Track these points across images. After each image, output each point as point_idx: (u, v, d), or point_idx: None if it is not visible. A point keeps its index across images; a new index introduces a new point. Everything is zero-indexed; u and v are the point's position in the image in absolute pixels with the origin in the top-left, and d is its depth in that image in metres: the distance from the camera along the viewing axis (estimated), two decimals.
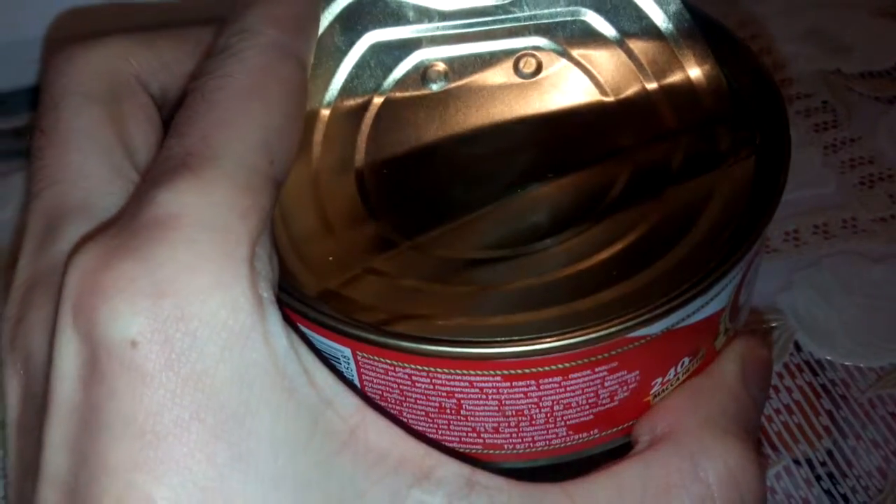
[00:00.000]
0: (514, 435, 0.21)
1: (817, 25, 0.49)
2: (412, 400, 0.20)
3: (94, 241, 0.16)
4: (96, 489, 0.15)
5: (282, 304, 0.18)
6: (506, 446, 0.21)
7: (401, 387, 0.20)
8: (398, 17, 0.24)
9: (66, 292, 0.16)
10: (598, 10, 0.24)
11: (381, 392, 0.21)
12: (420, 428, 0.21)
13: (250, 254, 0.16)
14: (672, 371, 0.21)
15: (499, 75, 0.24)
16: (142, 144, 0.20)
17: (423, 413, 0.21)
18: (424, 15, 0.24)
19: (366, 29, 0.24)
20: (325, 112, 0.24)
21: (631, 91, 0.24)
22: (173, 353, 0.15)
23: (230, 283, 0.16)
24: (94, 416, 0.15)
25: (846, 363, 0.33)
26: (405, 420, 0.21)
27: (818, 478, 0.30)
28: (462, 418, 0.20)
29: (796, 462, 0.30)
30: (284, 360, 0.16)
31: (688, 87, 0.24)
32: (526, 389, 0.20)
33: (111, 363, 0.15)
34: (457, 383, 0.20)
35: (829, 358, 0.33)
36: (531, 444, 0.21)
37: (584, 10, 0.24)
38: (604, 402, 0.20)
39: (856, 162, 0.41)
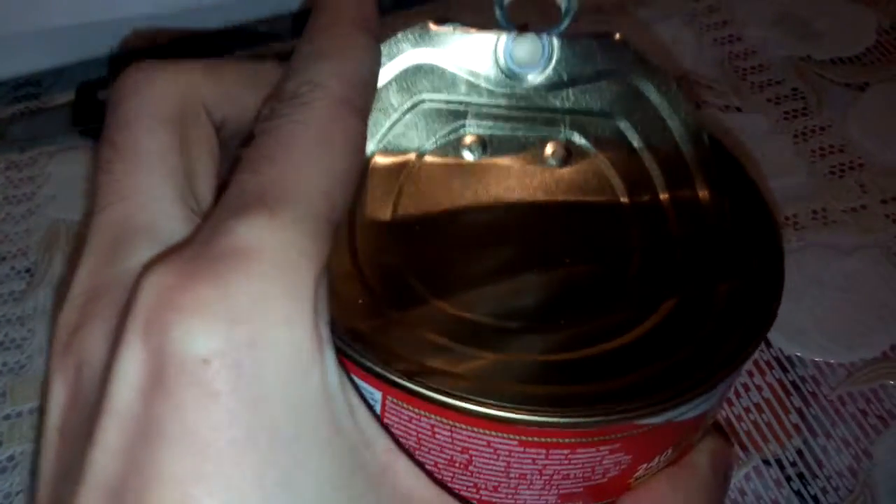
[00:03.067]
0: (510, 496, 0.23)
1: (788, 11, 0.48)
2: (426, 450, 0.22)
3: (171, 261, 0.17)
4: (149, 497, 0.16)
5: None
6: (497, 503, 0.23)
7: (420, 436, 0.22)
8: (450, 87, 0.26)
9: (139, 306, 0.16)
10: (628, 118, 0.26)
11: (400, 437, 0.22)
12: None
13: (314, 294, 0.18)
14: (657, 458, 0.23)
15: (530, 158, 0.26)
16: (203, 173, 0.21)
17: (433, 463, 0.22)
18: (474, 90, 0.26)
19: (419, 92, 0.26)
20: (370, 162, 0.26)
21: (644, 197, 0.26)
22: (241, 376, 0.16)
23: (297, 319, 0.17)
24: (154, 427, 0.16)
25: (816, 359, 0.32)
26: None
27: (788, 479, 0.29)
28: (468, 473, 0.22)
29: (766, 462, 0.30)
30: (335, 398, 0.18)
31: (696, 202, 0.26)
32: (535, 456, 0.22)
33: (180, 377, 0.16)
34: (475, 440, 0.21)
35: (798, 354, 0.33)
36: None
37: (616, 115, 0.26)
38: (596, 478, 0.22)
39: (826, 151, 0.41)
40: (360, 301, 0.24)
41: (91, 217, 0.20)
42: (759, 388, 0.32)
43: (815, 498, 0.29)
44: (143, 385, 0.16)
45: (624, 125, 0.27)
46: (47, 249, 0.39)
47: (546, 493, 0.23)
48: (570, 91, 0.26)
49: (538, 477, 0.22)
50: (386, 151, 0.26)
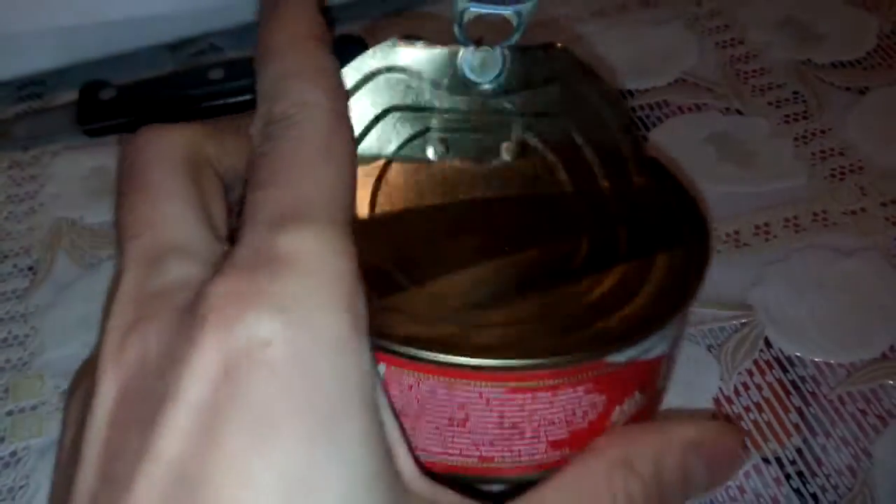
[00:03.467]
0: (505, 448, 0.26)
1: (790, 14, 0.48)
2: (429, 411, 0.25)
3: (227, 271, 0.20)
4: (210, 467, 0.18)
5: None
6: (496, 458, 0.26)
7: (421, 399, 0.25)
8: (415, 97, 0.29)
9: (206, 307, 0.19)
10: (572, 118, 0.30)
11: (401, 406, 0.25)
12: (429, 441, 0.25)
13: (352, 286, 0.20)
14: (627, 401, 0.26)
15: (488, 156, 0.30)
16: (216, 207, 0.24)
17: (435, 426, 0.25)
18: (436, 98, 0.29)
19: (387, 102, 0.29)
20: None
21: (587, 185, 0.30)
22: (297, 352, 0.19)
23: (342, 307, 0.20)
24: (220, 409, 0.18)
25: (816, 359, 0.33)
26: (419, 435, 0.25)
27: (787, 476, 0.29)
28: (467, 431, 0.25)
29: (765, 460, 0.30)
30: (371, 379, 0.20)
31: (632, 188, 0.30)
32: (523, 401, 0.25)
33: (246, 361, 0.18)
34: (469, 394, 0.24)
35: (798, 354, 0.33)
36: (517, 458, 0.26)
37: (561, 115, 0.30)
38: (577, 421, 0.25)
39: (826, 154, 0.41)
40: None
41: (121, 247, 0.22)
42: (759, 388, 0.32)
43: (814, 496, 0.29)
44: (214, 375, 0.18)
45: (568, 124, 0.30)
46: (50, 247, 0.39)
47: (536, 441, 0.26)
48: (522, 96, 0.30)
49: (527, 424, 0.25)
50: (360, 157, 0.29)
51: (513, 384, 0.24)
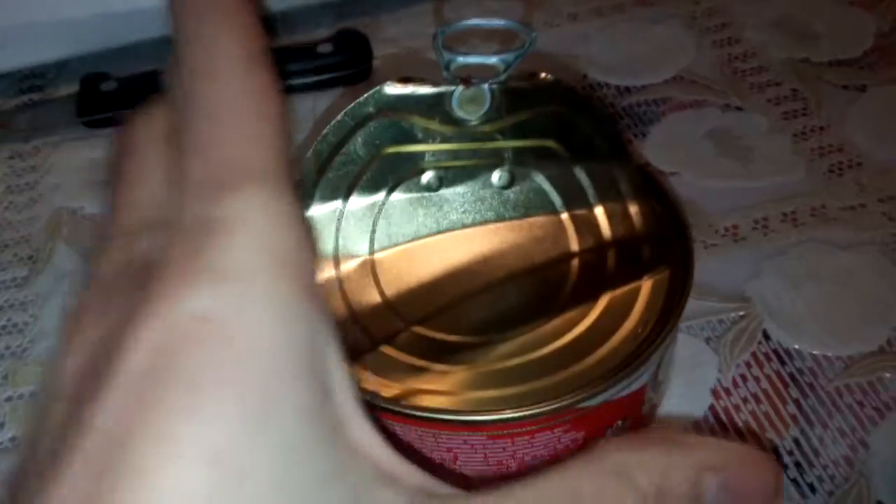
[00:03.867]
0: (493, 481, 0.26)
1: (787, 13, 0.49)
2: (418, 453, 0.27)
3: (168, 244, 0.19)
4: (138, 433, 0.17)
5: None
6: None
7: (413, 445, 0.26)
8: (408, 136, 0.30)
9: (148, 281, 0.18)
10: (561, 142, 0.31)
11: (397, 447, 0.25)
12: None
13: (300, 250, 0.19)
14: (609, 430, 0.28)
15: (480, 186, 0.31)
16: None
17: (429, 466, 0.25)
18: (429, 135, 0.30)
19: (382, 143, 0.30)
20: (345, 206, 0.30)
21: (579, 207, 0.31)
22: (235, 324, 0.18)
23: (287, 273, 0.18)
24: (154, 385, 0.18)
25: (814, 352, 0.33)
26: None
27: (785, 467, 0.29)
28: (457, 467, 0.27)
29: (763, 450, 0.30)
30: (320, 348, 0.19)
31: (623, 208, 0.31)
32: (504, 445, 0.26)
33: (184, 336, 0.18)
34: (454, 441, 0.26)
35: (797, 347, 0.33)
36: None
37: (551, 140, 0.31)
38: (560, 455, 0.27)
39: (825, 150, 0.41)
40: (353, 335, 0.29)
41: (102, 229, 0.22)
42: (756, 380, 0.32)
43: (811, 486, 0.29)
44: (150, 350, 0.18)
45: (558, 148, 0.31)
46: (50, 237, 0.39)
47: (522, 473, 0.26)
48: (511, 126, 0.30)
49: (512, 461, 0.27)
50: (359, 196, 0.31)
51: (491, 433, 0.26)
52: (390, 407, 0.26)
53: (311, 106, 0.44)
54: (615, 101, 0.44)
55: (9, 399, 0.33)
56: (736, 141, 0.42)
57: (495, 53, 0.29)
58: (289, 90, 0.49)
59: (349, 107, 0.29)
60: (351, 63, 0.46)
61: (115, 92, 0.45)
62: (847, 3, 0.49)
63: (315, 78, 0.46)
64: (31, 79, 0.48)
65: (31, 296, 0.37)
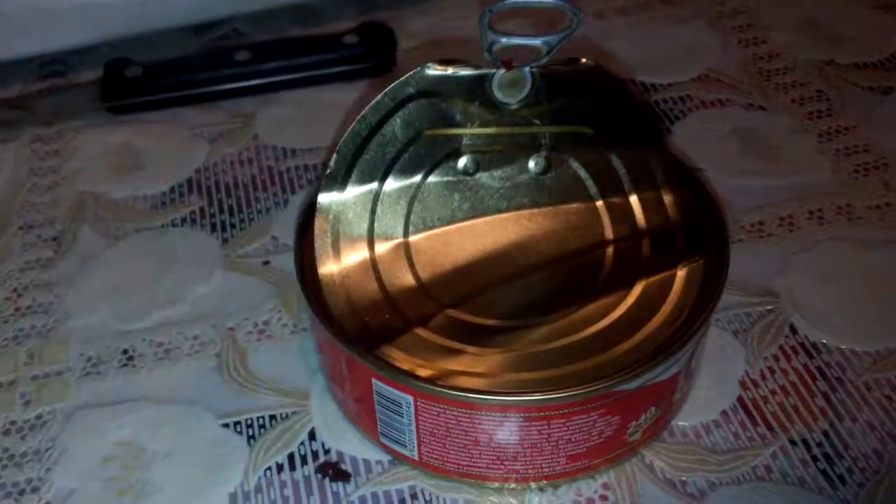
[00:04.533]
0: (527, 462, 0.27)
1: (812, 16, 0.49)
2: (455, 435, 0.27)
3: None
4: None
5: (352, 356, 0.27)
6: (519, 470, 0.28)
7: (448, 425, 0.26)
8: (447, 119, 0.30)
9: None
10: (598, 130, 0.31)
11: (432, 428, 0.27)
12: (459, 456, 0.27)
13: None
14: (643, 416, 0.28)
15: (517, 171, 0.31)
16: None
17: (463, 445, 0.27)
18: (468, 119, 0.30)
19: (420, 125, 0.30)
20: (381, 188, 0.30)
21: (614, 196, 0.31)
22: None
23: None
24: None
25: (842, 346, 0.33)
26: (448, 451, 0.27)
27: (814, 458, 0.29)
28: (491, 449, 0.27)
29: (792, 442, 0.30)
30: None
31: (658, 198, 0.31)
32: (540, 427, 0.26)
33: None
34: (491, 423, 0.26)
35: (824, 341, 0.33)
36: (539, 470, 0.28)
37: (589, 127, 0.31)
38: (594, 438, 0.27)
39: (850, 150, 0.41)
40: (388, 316, 0.29)
41: None
42: (784, 373, 0.32)
43: (840, 477, 0.29)
44: None
45: (595, 136, 0.31)
46: (74, 219, 0.39)
47: (555, 455, 0.27)
48: (550, 112, 0.30)
49: (546, 443, 0.27)
50: (395, 178, 0.30)
51: (528, 414, 0.26)
52: (427, 387, 0.26)
53: (339, 96, 0.44)
54: (640, 97, 0.44)
55: (35, 377, 0.33)
56: (760, 140, 0.42)
57: (539, 34, 0.29)
58: (315, 80, 0.50)
59: (389, 87, 0.29)
60: (376, 55, 0.46)
61: (139, 78, 0.45)
62: (873, 6, 0.49)
63: (340, 68, 0.46)
64: (54, 64, 0.48)
65: (55, 276, 0.37)
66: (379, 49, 0.46)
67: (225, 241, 0.38)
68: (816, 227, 0.37)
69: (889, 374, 0.32)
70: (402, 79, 0.29)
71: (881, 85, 0.44)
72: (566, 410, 0.26)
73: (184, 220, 0.39)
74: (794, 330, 0.33)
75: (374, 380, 0.27)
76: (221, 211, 0.39)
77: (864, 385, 0.31)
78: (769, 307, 0.34)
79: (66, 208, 0.40)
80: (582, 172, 0.31)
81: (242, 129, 0.44)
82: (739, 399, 0.31)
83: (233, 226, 0.39)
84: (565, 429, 0.26)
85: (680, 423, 0.30)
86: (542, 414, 0.26)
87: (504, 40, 0.28)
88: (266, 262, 0.37)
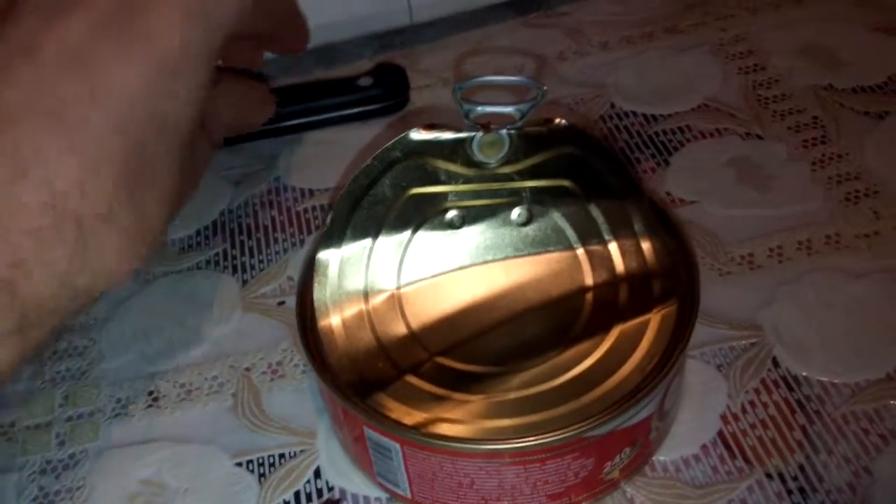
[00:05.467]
0: (511, 501, 0.30)
1: (813, 41, 0.50)
2: (441, 478, 0.29)
3: None
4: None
5: (345, 406, 0.29)
6: None
7: (433, 469, 0.29)
8: (433, 178, 0.33)
9: None
10: (576, 181, 0.33)
11: (420, 471, 0.29)
12: (447, 496, 0.30)
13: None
14: (618, 456, 0.30)
15: (500, 223, 0.34)
16: None
17: (449, 487, 0.29)
18: (452, 177, 0.33)
19: (408, 185, 0.33)
20: (374, 243, 0.33)
21: (593, 243, 0.33)
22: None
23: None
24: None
25: (822, 378, 0.34)
26: (437, 491, 0.30)
27: (789, 492, 0.31)
28: (474, 491, 0.29)
29: (768, 476, 0.31)
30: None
31: (636, 244, 0.33)
32: (517, 471, 0.28)
33: None
34: (471, 468, 0.28)
35: (804, 374, 0.34)
36: None
37: (566, 180, 0.33)
38: (570, 479, 0.29)
39: (842, 178, 0.42)
40: (381, 365, 0.31)
41: None
42: (765, 406, 0.33)
43: None
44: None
45: (573, 187, 0.33)
46: None
47: (536, 495, 0.30)
48: (528, 167, 0.33)
49: (525, 485, 0.29)
50: (387, 234, 0.33)
51: (506, 461, 0.28)
52: (412, 436, 0.28)
53: (356, 136, 0.47)
54: (641, 129, 0.46)
55: (69, 419, 0.36)
56: (756, 170, 0.43)
57: (511, 103, 0.31)
58: (332, 122, 0.52)
59: (378, 152, 0.32)
60: (390, 95, 0.48)
61: None
62: (873, 28, 0.50)
63: (356, 109, 0.48)
64: None
65: (90, 320, 0.40)
66: (393, 89, 0.49)
67: (244, 282, 0.41)
68: (804, 258, 0.39)
69: (866, 407, 0.33)
70: (389, 144, 0.32)
71: (877, 110, 0.45)
72: (539, 456, 0.28)
73: (208, 262, 0.42)
74: (776, 363, 0.35)
75: (364, 427, 0.29)
76: (243, 253, 0.42)
77: (841, 418, 0.33)
78: (753, 340, 0.36)
79: None
80: (562, 222, 0.33)
81: (265, 170, 0.46)
82: (720, 433, 0.33)
83: (252, 267, 0.41)
84: (541, 472, 0.28)
85: (661, 457, 0.32)
86: (517, 460, 0.28)
87: (479, 109, 0.31)
88: (281, 303, 0.40)
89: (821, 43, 0.50)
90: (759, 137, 0.45)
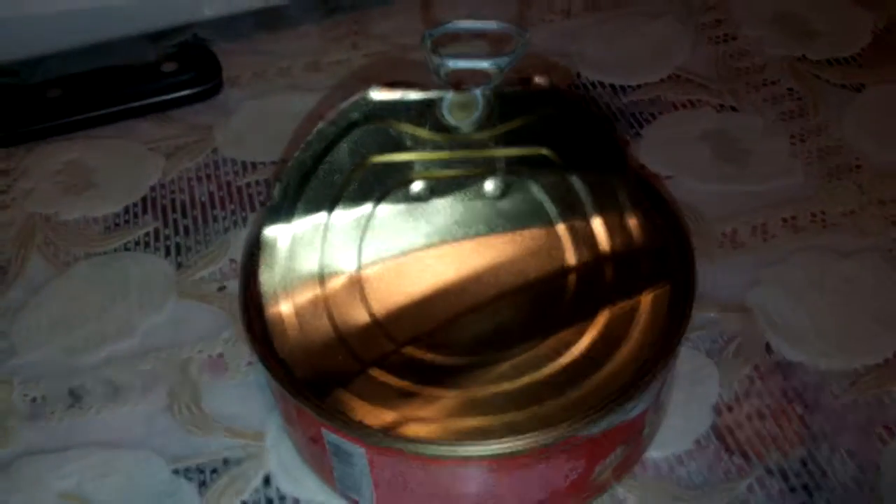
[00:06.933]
0: None
1: (784, 10, 0.47)
2: (412, 487, 0.26)
3: None
4: None
5: (299, 404, 0.25)
6: None
7: (404, 476, 0.25)
8: (396, 144, 0.29)
9: None
10: (556, 149, 0.29)
11: (388, 479, 0.26)
12: None
13: None
14: (610, 456, 0.26)
15: (472, 196, 0.30)
16: None
17: (420, 497, 0.26)
18: (418, 143, 0.29)
19: (370, 152, 0.29)
20: (330, 219, 0.29)
21: (575, 219, 0.29)
22: None
23: None
24: None
25: (819, 365, 0.32)
26: (406, 502, 0.26)
27: (792, 489, 0.28)
28: (451, 499, 0.26)
29: (769, 472, 0.29)
30: None
31: (621, 220, 0.29)
32: (498, 478, 0.25)
33: None
34: (445, 475, 0.25)
35: (800, 360, 0.32)
36: None
37: (546, 147, 0.29)
38: (558, 483, 0.26)
39: (823, 152, 0.40)
40: (340, 357, 0.27)
41: None
42: (759, 395, 0.31)
43: None
44: None
45: (553, 157, 0.29)
46: (23, 244, 0.38)
47: (520, 502, 0.26)
48: (504, 133, 0.29)
49: (509, 493, 0.26)
50: (344, 208, 0.29)
51: (483, 466, 0.25)
52: (379, 438, 0.25)
53: (300, 105, 0.43)
54: (610, 101, 0.43)
55: None
56: (732, 143, 0.40)
57: (488, 56, 0.27)
58: (132, 113, 0.47)
59: (332, 113, 0.28)
60: (198, 81, 0.44)
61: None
62: None
63: (159, 98, 0.43)
64: (6, 76, 0.46)
65: (0, 309, 0.35)
66: (201, 74, 0.44)
67: (179, 265, 0.36)
68: (791, 236, 0.36)
69: (868, 395, 0.31)
70: (345, 104, 0.28)
71: (853, 82, 0.43)
72: (525, 460, 0.25)
73: (137, 243, 0.38)
74: (769, 349, 0.32)
75: (322, 429, 0.25)
76: (177, 232, 0.38)
77: (842, 407, 0.30)
78: (742, 324, 0.33)
79: (16, 232, 0.38)
80: (541, 195, 0.30)
81: (200, 141, 0.42)
82: (713, 426, 0.30)
83: (188, 248, 0.37)
84: (527, 477, 0.25)
85: (653, 454, 0.29)
86: (499, 465, 0.25)
87: (451, 63, 0.27)
88: (222, 288, 0.35)
89: (792, 12, 0.47)
90: (734, 109, 0.42)
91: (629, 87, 0.44)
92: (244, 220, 0.38)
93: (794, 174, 0.39)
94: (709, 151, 0.40)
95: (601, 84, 0.44)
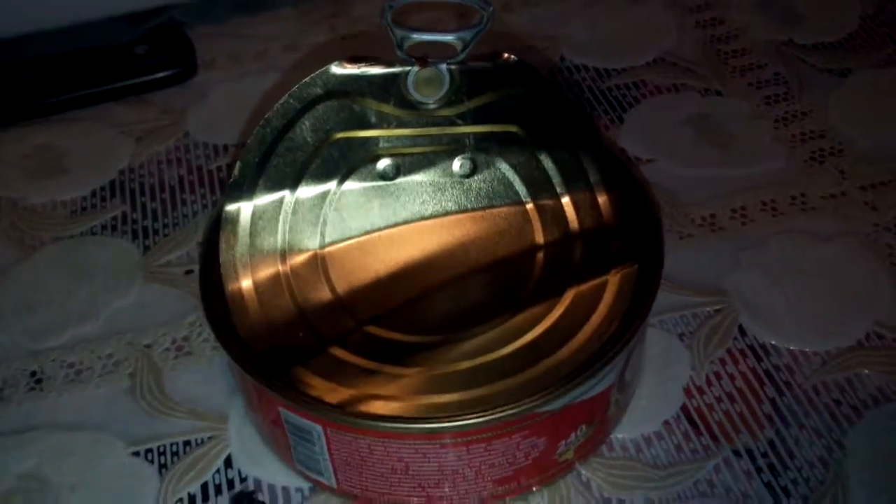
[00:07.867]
0: (451, 488, 0.25)
1: None
2: (371, 464, 0.25)
3: None
4: None
5: (256, 383, 0.25)
6: (443, 495, 0.26)
7: (361, 454, 0.25)
8: (361, 120, 0.28)
9: None
10: (526, 127, 0.29)
11: (346, 456, 0.25)
12: (376, 484, 0.25)
13: None
14: (573, 434, 0.26)
15: (440, 174, 0.29)
16: None
17: (380, 474, 0.25)
18: (384, 120, 0.28)
19: (333, 129, 0.28)
20: (293, 197, 0.28)
21: (545, 197, 0.29)
22: None
23: None
24: None
25: (791, 347, 0.31)
26: (365, 479, 0.25)
27: (759, 469, 0.28)
28: (409, 477, 0.25)
29: (736, 453, 0.28)
30: None
31: (591, 199, 0.29)
32: (459, 453, 0.24)
33: None
34: (405, 450, 0.24)
35: (773, 342, 0.31)
36: (465, 494, 0.26)
37: (515, 125, 0.28)
38: (520, 461, 0.25)
39: (806, 136, 0.39)
40: (301, 335, 0.27)
41: None
42: (731, 378, 0.30)
43: (785, 489, 0.27)
44: None
45: (523, 134, 0.29)
46: None
47: (480, 480, 0.25)
48: (472, 110, 0.28)
49: (468, 469, 0.25)
50: (307, 185, 0.28)
51: (444, 441, 0.24)
52: (335, 415, 0.24)
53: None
54: (593, 84, 0.42)
55: None
56: (716, 127, 0.40)
57: (452, 31, 0.27)
58: (104, 97, 0.46)
59: (294, 88, 0.27)
60: (171, 63, 0.43)
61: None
62: None
63: (131, 81, 0.42)
64: None
65: None
66: (173, 56, 0.43)
67: (146, 248, 0.36)
68: (769, 219, 0.36)
69: (837, 376, 0.30)
70: (307, 79, 0.27)
71: (839, 67, 0.42)
72: (484, 435, 0.24)
73: (104, 227, 0.37)
74: (742, 331, 0.32)
75: (280, 409, 0.25)
76: (145, 216, 0.37)
77: (812, 389, 0.30)
78: (717, 307, 0.32)
79: None
80: (510, 174, 0.29)
81: (172, 125, 0.41)
82: (683, 407, 0.29)
83: (156, 232, 0.37)
84: (487, 454, 0.25)
85: (620, 435, 0.29)
86: (459, 440, 0.24)
87: (415, 36, 0.26)
88: (189, 272, 0.35)
89: None
90: (719, 94, 0.41)
91: (613, 70, 0.43)
92: (214, 203, 0.38)
93: (776, 158, 0.38)
94: (692, 135, 0.39)
95: (585, 67, 0.43)
